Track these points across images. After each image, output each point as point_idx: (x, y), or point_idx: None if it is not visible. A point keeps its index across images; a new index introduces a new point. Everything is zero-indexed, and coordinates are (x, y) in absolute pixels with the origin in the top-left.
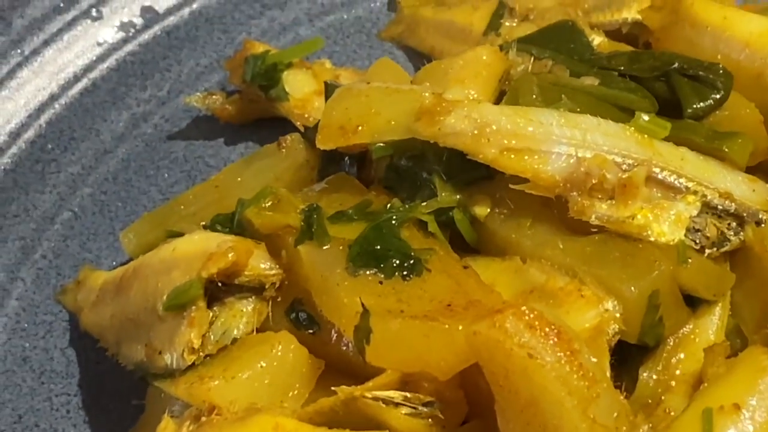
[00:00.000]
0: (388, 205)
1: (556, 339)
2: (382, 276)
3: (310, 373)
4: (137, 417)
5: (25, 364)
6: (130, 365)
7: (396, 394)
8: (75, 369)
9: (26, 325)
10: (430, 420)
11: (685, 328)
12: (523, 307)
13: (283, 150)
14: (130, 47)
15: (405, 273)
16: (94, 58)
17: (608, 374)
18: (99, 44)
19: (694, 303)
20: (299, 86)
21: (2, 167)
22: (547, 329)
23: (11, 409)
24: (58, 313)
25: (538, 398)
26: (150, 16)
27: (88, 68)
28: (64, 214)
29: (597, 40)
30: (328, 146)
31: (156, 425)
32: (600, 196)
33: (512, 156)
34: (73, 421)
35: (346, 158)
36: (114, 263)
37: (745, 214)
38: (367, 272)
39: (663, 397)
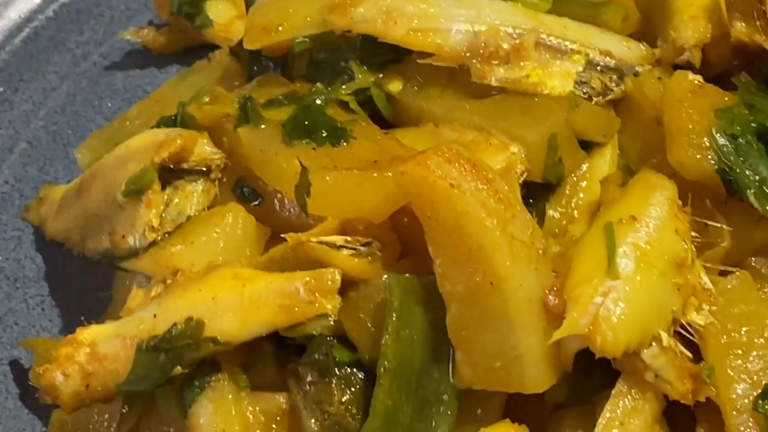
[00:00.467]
0: (313, 89)
1: (473, 170)
2: (315, 144)
3: (259, 238)
4: (106, 306)
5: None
6: (97, 255)
7: (338, 238)
8: (44, 273)
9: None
10: (369, 258)
11: (582, 167)
12: (443, 147)
13: (213, 63)
14: None
15: (333, 141)
16: (35, 7)
17: (521, 202)
18: None
19: (587, 146)
20: (221, 13)
21: None
22: (464, 162)
23: None
24: (24, 228)
25: (462, 222)
26: None
27: (28, 19)
28: (21, 144)
29: None
30: (254, 46)
31: (123, 305)
32: (496, 62)
33: (418, 35)
34: (48, 317)
35: (270, 63)
36: (70, 181)
37: (623, 68)
38: (301, 142)
39: (568, 227)
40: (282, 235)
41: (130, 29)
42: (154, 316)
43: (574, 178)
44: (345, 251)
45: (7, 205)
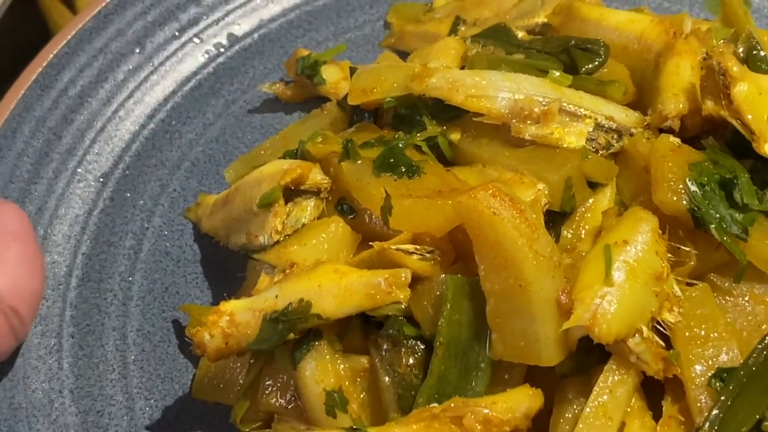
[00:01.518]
0: (396, 136)
1: (510, 202)
2: (396, 176)
3: (352, 242)
4: (242, 284)
5: (167, 257)
6: (237, 247)
7: (410, 246)
8: (199, 258)
9: (166, 232)
10: (432, 262)
11: (588, 201)
12: (489, 184)
13: (325, 112)
14: (221, 59)
15: (409, 175)
16: (200, 65)
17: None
18: (202, 56)
19: (593, 186)
20: (332, 75)
21: (144, 137)
22: (504, 196)
23: (161, 284)
24: (186, 224)
25: (501, 240)
26: (233, 38)
27: (195, 73)
28: (185, 163)
29: (520, 34)
30: (356, 102)
31: (254, 286)
32: (530, 122)
33: (474, 100)
34: (200, 290)
35: (366, 113)
36: (219, 192)
37: (622, 130)
38: (386, 174)
39: (577, 245)
40: (370, 243)
41: (267, 83)
42: (276, 296)
43: (583, 209)
44: (415, 256)
45: (175, 207)
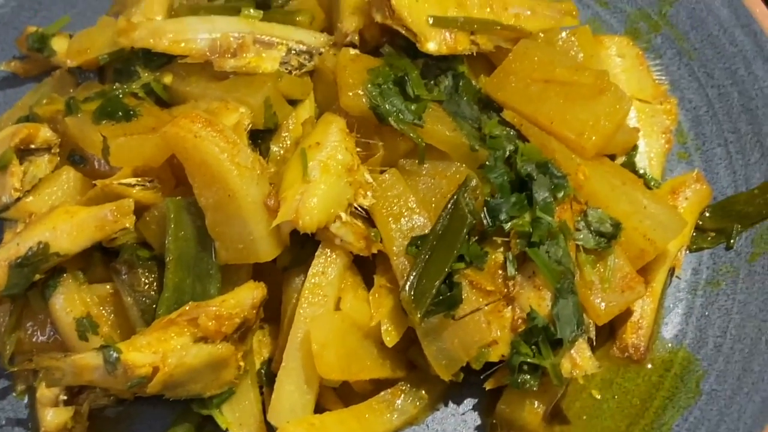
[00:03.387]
0: (114, 87)
1: (208, 124)
2: (114, 122)
3: (84, 187)
4: None
5: None
6: None
7: (132, 180)
8: None
9: None
10: (153, 190)
11: (291, 116)
12: (188, 112)
13: (54, 78)
14: None
15: (127, 118)
16: None
17: (248, 144)
18: None
19: (294, 103)
20: (61, 47)
21: None
22: (202, 120)
23: None
24: None
25: (205, 159)
26: None
27: None
28: None
29: None
30: (74, 62)
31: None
32: (228, 56)
33: (176, 44)
34: None
35: (91, 74)
36: None
37: (313, 51)
38: (105, 122)
39: (285, 155)
40: (93, 182)
41: (3, 62)
42: (18, 244)
43: (287, 124)
44: (137, 188)
45: None
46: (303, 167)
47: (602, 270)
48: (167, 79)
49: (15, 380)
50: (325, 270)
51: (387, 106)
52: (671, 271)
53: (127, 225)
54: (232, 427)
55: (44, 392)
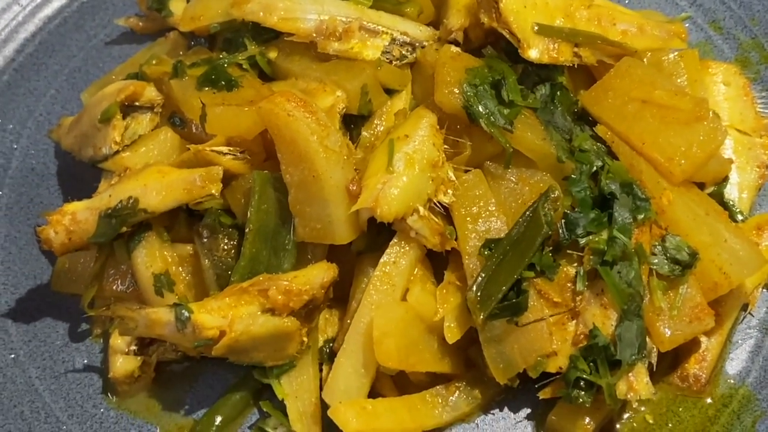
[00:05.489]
0: (221, 55)
1: (302, 104)
2: (216, 90)
3: (180, 149)
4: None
5: (33, 172)
6: (87, 160)
7: (224, 148)
8: (63, 167)
9: (32, 151)
10: (243, 161)
11: (386, 105)
12: (285, 91)
13: (168, 40)
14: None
15: (229, 88)
16: (64, 4)
17: (339, 128)
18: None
19: (390, 92)
20: (178, 8)
21: (13, 69)
22: (296, 100)
23: (27, 196)
24: (50, 144)
25: (295, 137)
26: None
27: (59, 12)
28: (51, 91)
29: None
30: (186, 28)
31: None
32: (333, 39)
33: (285, 21)
34: (61, 198)
35: (203, 39)
36: None
37: (415, 43)
38: (207, 89)
39: (375, 143)
40: (187, 146)
41: (123, 18)
42: (110, 195)
43: (381, 113)
44: (228, 156)
45: (40, 129)
46: (389, 157)
47: (673, 297)
48: (272, 53)
49: (93, 324)
50: (397, 260)
51: (480, 107)
52: (744, 307)
53: (213, 191)
54: (288, 399)
55: (117, 340)
